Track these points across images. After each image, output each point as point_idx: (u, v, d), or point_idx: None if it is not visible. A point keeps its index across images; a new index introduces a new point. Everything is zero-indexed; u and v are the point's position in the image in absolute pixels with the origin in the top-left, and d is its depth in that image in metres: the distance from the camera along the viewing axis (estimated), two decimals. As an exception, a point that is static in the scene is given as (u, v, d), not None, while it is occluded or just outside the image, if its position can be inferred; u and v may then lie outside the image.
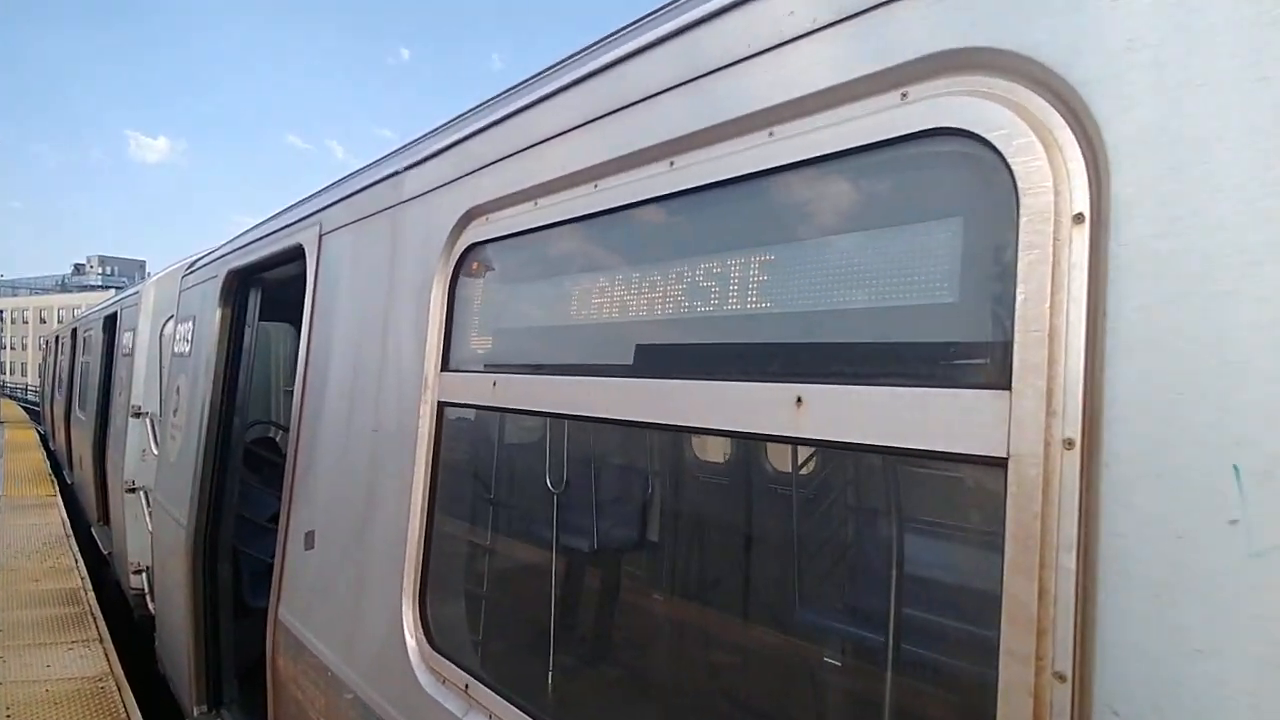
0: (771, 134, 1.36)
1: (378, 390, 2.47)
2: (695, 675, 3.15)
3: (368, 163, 2.92)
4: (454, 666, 1.97)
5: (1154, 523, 0.86)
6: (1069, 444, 0.94)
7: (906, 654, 2.04)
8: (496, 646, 2.62)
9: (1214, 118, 0.85)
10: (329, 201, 3.03)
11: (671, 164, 1.54)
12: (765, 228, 1.40)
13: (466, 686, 1.90)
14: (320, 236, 3.04)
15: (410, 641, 2.11)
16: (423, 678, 2.04)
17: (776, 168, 1.34)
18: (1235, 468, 0.80)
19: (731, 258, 1.43)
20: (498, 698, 1.81)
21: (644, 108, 1.57)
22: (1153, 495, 0.86)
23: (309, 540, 2.76)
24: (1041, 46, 1.00)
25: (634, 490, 4.66)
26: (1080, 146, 0.98)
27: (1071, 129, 0.99)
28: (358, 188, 2.79)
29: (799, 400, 1.24)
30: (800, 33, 1.30)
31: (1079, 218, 0.96)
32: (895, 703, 2.05)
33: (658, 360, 1.56)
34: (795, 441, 1.24)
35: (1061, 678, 0.93)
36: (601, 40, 1.71)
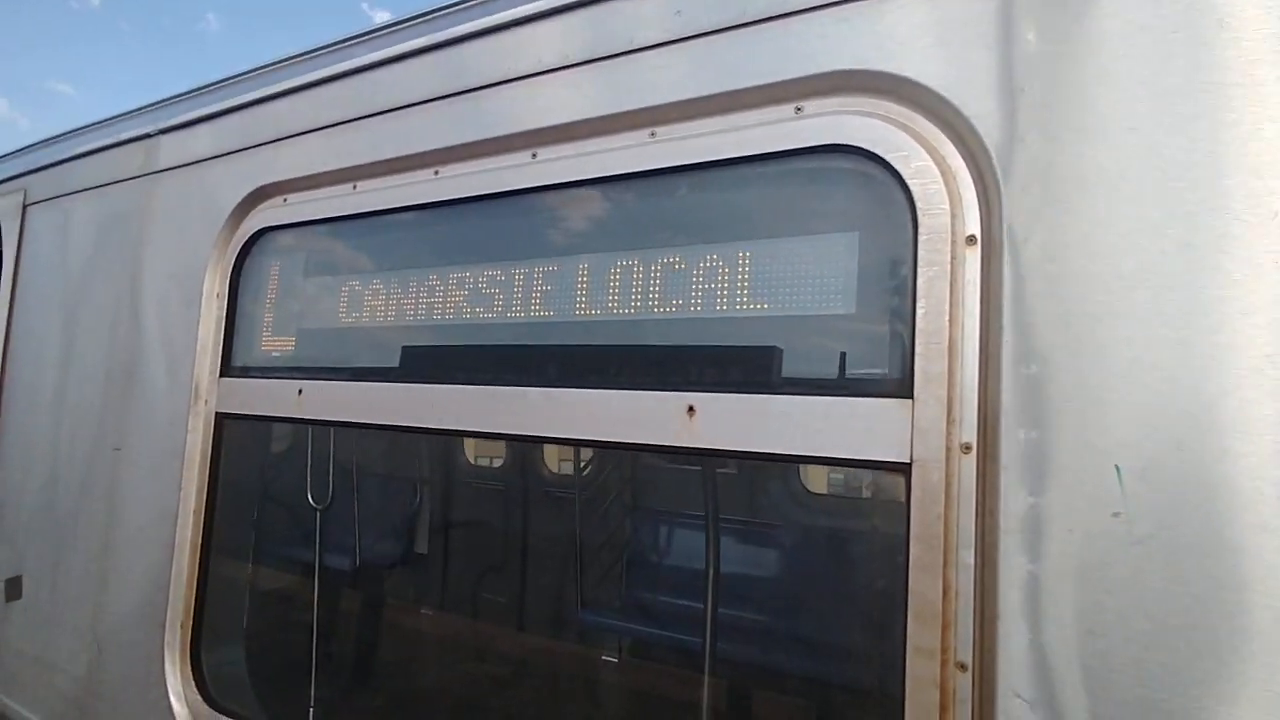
0: (654, 134, 1.32)
1: (121, 400, 2.02)
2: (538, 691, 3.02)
3: (97, 120, 2.38)
4: (243, 727, 1.66)
5: (1046, 519, 0.95)
6: (966, 449, 1.02)
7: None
8: (301, 694, 2.27)
9: (1092, 159, 0.96)
10: (39, 164, 2.42)
11: (535, 155, 1.43)
12: (649, 231, 1.35)
13: (264, 748, 1.61)
14: (24, 207, 2.42)
15: (179, 707, 1.74)
16: (198, 746, 1.70)
17: (661, 169, 1.30)
18: (1117, 467, 0.92)
19: (610, 260, 1.36)
20: None
21: (507, 90, 1.44)
22: (1044, 494, 0.96)
23: (13, 589, 2.18)
24: (938, 78, 1.07)
25: (464, 513, 4.37)
26: (971, 174, 1.06)
27: (963, 157, 1.07)
28: (85, 150, 2.27)
29: (690, 409, 1.21)
30: (686, 34, 1.27)
31: (971, 239, 1.05)
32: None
33: (524, 368, 1.44)
34: (688, 451, 1.21)
35: (963, 667, 1.00)
36: (458, 5, 1.54)
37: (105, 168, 2.21)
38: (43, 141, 2.51)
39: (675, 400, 1.22)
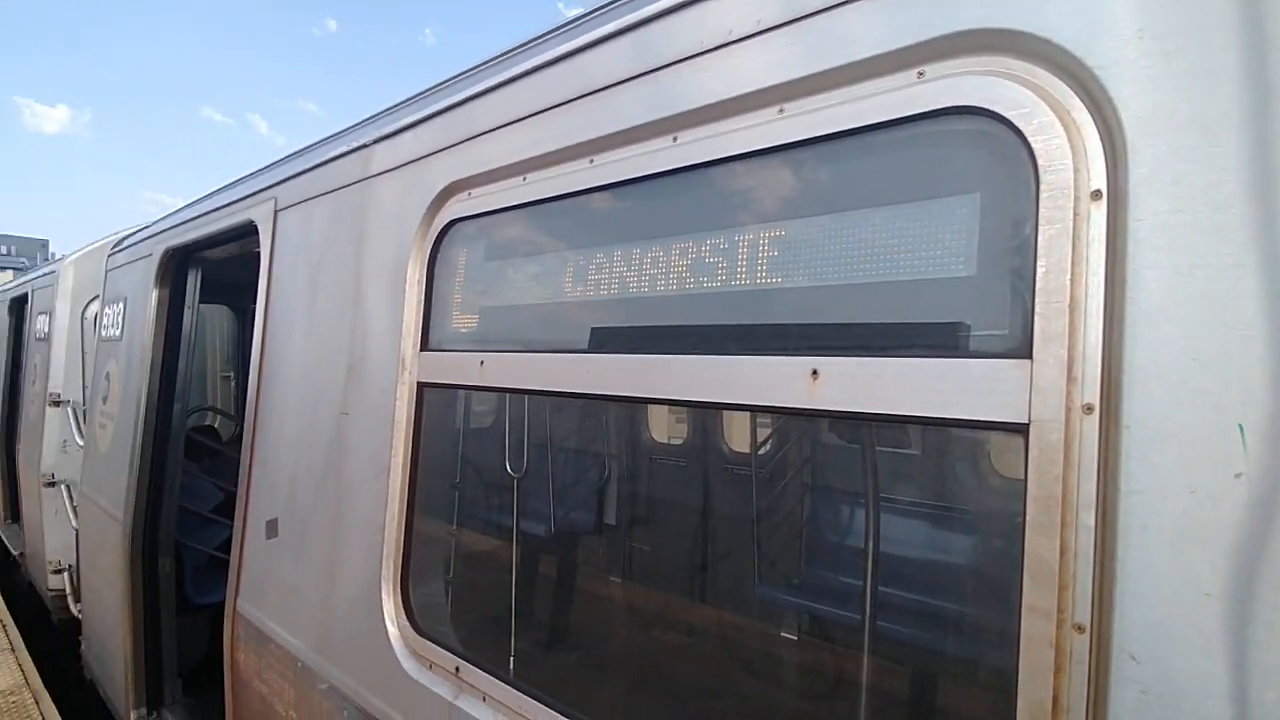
0: (782, 110, 1.38)
1: (347, 372, 2.40)
2: (695, 653, 3.20)
3: (327, 135, 2.81)
4: (442, 650, 1.94)
5: (1169, 480, 0.92)
6: (1088, 409, 1.00)
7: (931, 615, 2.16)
8: (486, 629, 2.60)
9: (1217, 103, 0.91)
10: (285, 176, 2.91)
11: (675, 139, 1.54)
12: (777, 204, 1.43)
13: (457, 669, 1.88)
14: (276, 212, 2.92)
15: (392, 629, 2.07)
16: (407, 664, 2.01)
17: (788, 144, 1.36)
18: (1240, 426, 0.87)
19: (740, 234, 1.45)
20: (491, 678, 1.79)
21: (647, 81, 1.57)
22: (1167, 454, 0.93)
23: (271, 529, 2.67)
24: (1060, 30, 1.05)
25: (629, 470, 4.71)
26: (1097, 126, 1.03)
27: (1089, 110, 1.04)
28: (319, 161, 2.69)
29: (814, 373, 1.27)
30: (814, 10, 1.32)
31: (1096, 194, 1.02)
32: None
33: (664, 337, 1.57)
34: (810, 413, 1.27)
35: (1081, 629, 0.99)
36: (602, 9, 1.69)
37: (334, 176, 2.61)
38: (288, 157, 3.01)
39: (800, 364, 1.29)
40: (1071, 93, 1.05)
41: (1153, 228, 0.95)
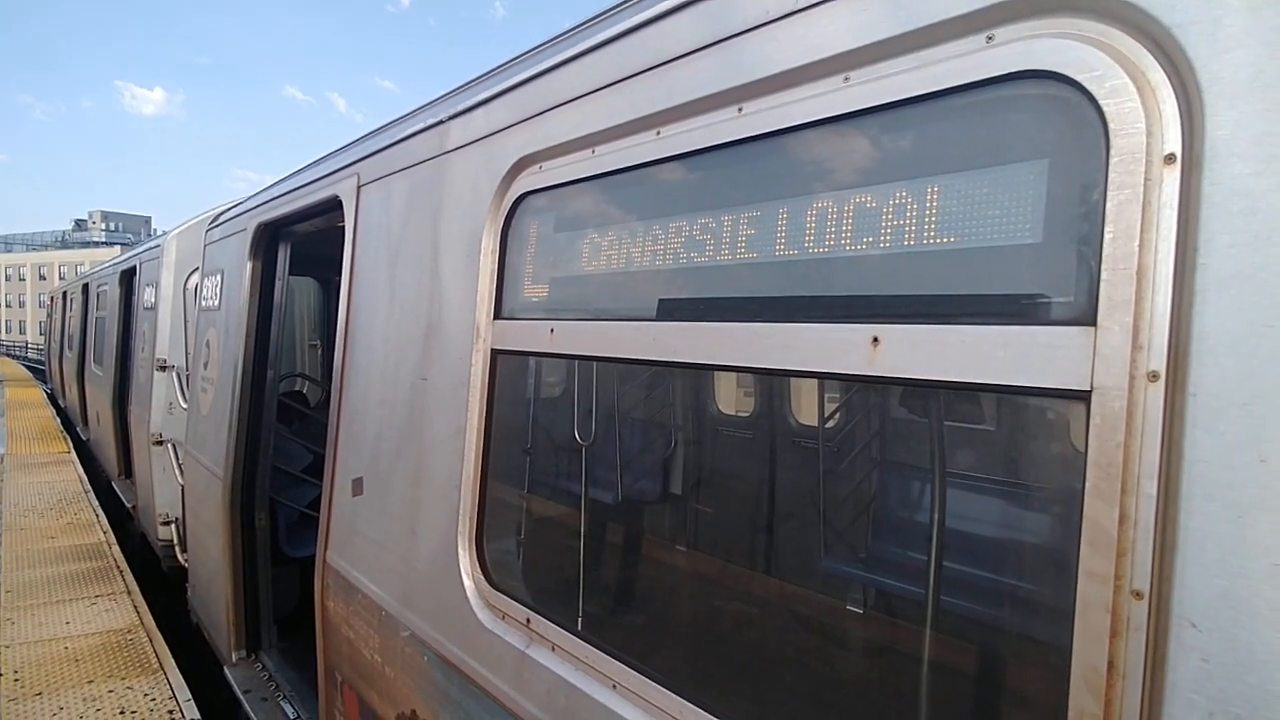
0: (848, 79, 1.38)
1: (425, 340, 2.51)
2: (756, 619, 3.27)
3: (405, 113, 2.92)
4: (514, 603, 2.05)
5: (1237, 449, 0.91)
6: (1153, 376, 0.99)
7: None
8: (555, 586, 2.72)
9: None
10: (366, 153, 3.03)
11: (740, 110, 1.56)
12: (840, 173, 1.43)
13: (528, 621, 1.98)
14: (359, 188, 3.05)
15: (468, 582, 2.19)
16: (482, 614, 2.13)
17: (852, 113, 1.36)
18: None
19: (804, 203, 1.46)
20: (561, 630, 1.89)
21: (713, 53, 1.58)
22: (1236, 423, 0.91)
23: (357, 487, 2.83)
24: None
25: (694, 440, 4.79)
26: (1173, 88, 1.00)
27: (1165, 71, 1.01)
28: (398, 138, 2.80)
29: (875, 340, 1.28)
30: None
31: (1170, 158, 1.00)
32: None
33: (728, 305, 1.60)
34: (871, 380, 1.29)
35: (1139, 595, 0.99)
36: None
37: (413, 152, 2.71)
38: (369, 134, 3.13)
39: (861, 332, 1.30)
40: (1147, 53, 1.03)
41: (1230, 192, 0.93)
